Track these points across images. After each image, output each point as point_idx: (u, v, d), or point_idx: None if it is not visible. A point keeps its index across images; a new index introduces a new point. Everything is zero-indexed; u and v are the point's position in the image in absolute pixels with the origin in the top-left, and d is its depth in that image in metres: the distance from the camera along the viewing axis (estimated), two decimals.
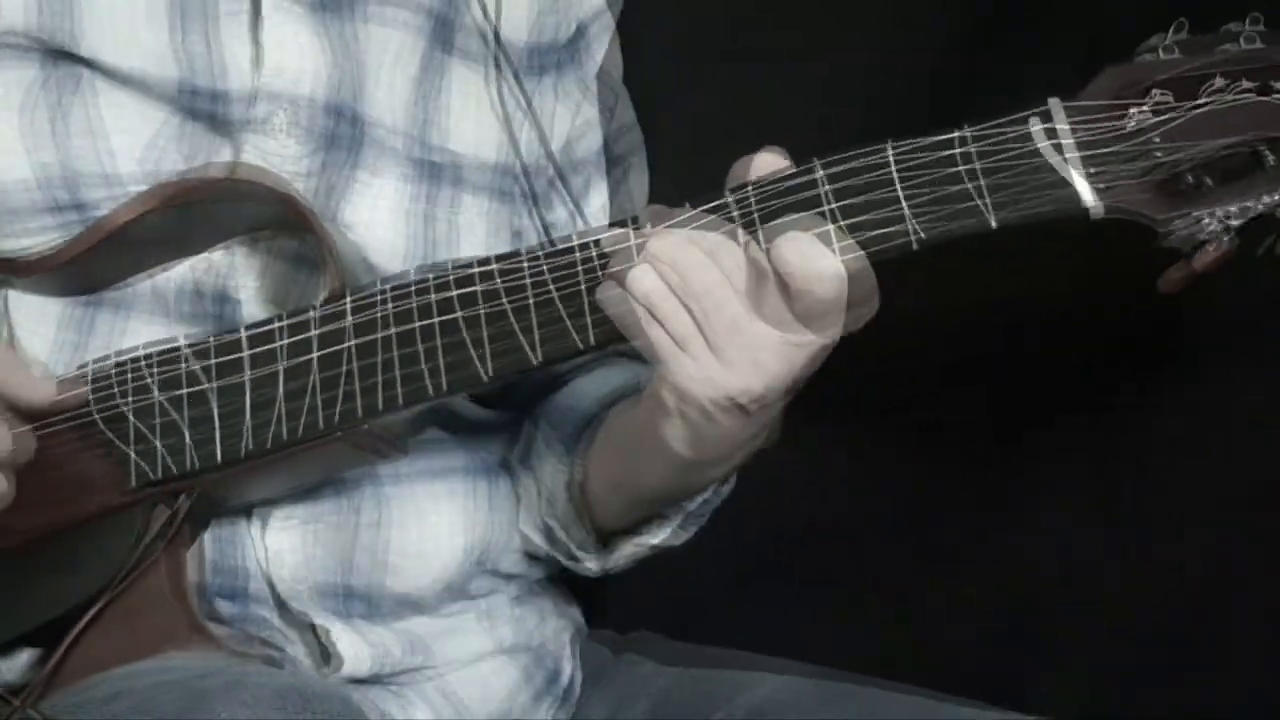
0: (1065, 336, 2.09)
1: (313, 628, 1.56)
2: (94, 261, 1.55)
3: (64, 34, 1.56)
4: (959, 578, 2.13)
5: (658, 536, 1.62)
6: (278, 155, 1.57)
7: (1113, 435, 2.10)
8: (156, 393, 1.52)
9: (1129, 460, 2.11)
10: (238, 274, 1.56)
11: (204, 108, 1.57)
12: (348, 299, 1.51)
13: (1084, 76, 1.98)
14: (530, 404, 1.69)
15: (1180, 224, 1.41)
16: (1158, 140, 1.42)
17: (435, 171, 1.62)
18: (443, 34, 1.64)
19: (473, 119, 1.64)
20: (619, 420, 1.61)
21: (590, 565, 1.64)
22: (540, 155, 1.66)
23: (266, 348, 1.51)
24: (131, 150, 1.55)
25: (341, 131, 1.59)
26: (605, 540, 1.63)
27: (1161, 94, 1.42)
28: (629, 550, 1.63)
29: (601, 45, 1.72)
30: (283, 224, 1.55)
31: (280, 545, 1.56)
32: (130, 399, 1.52)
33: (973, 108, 1.47)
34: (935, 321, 1.98)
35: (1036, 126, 1.44)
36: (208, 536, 1.55)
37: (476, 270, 1.50)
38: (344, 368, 1.50)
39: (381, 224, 1.59)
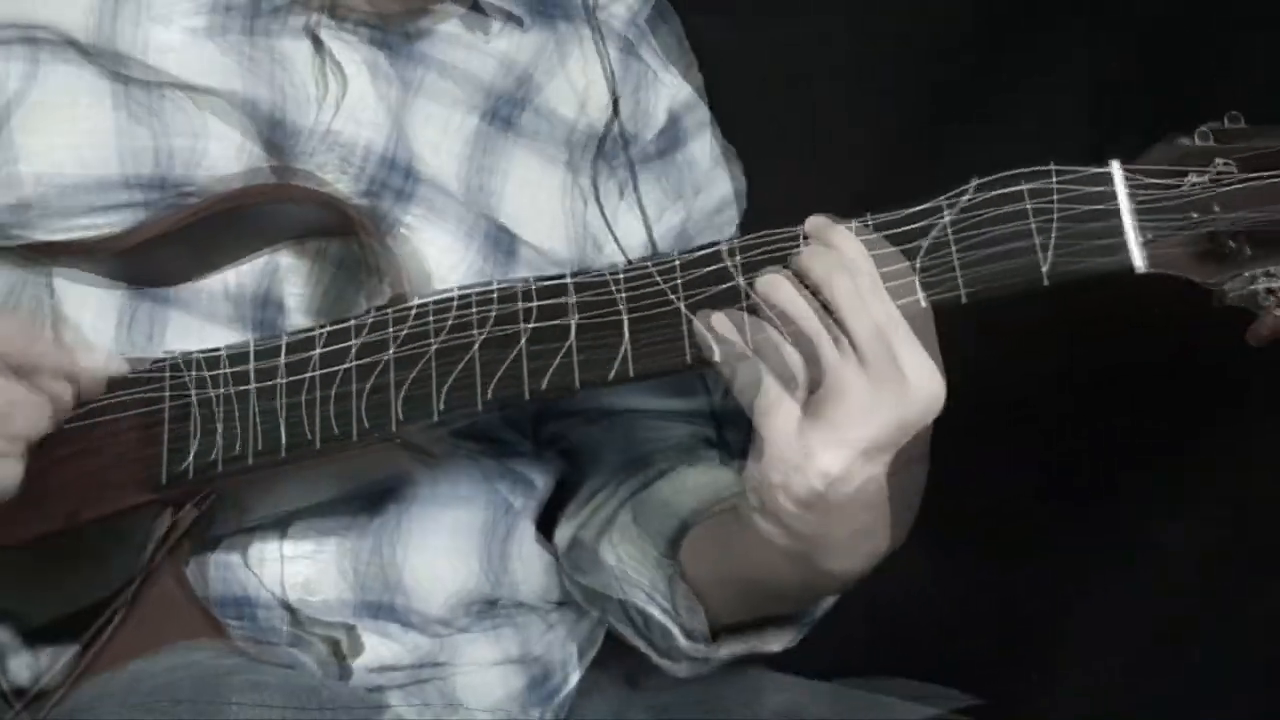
0: (1065, 348, 2.09)
1: (339, 633, 1.56)
2: (149, 258, 1.56)
3: (126, 41, 1.57)
4: (956, 585, 2.14)
5: (774, 644, 1.56)
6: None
7: (1114, 440, 2.11)
8: (195, 391, 1.52)
9: (1127, 466, 2.12)
10: (287, 279, 1.56)
11: (264, 132, 1.58)
12: (457, 297, 1.50)
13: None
14: (609, 481, 1.66)
15: (1232, 285, 1.42)
16: (1217, 209, 1.41)
17: (493, 239, 1.61)
18: (505, 113, 1.64)
19: (531, 203, 1.63)
20: (724, 518, 1.54)
21: (700, 653, 1.57)
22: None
23: (337, 347, 1.51)
24: (226, 151, 1.57)
25: (393, 182, 1.59)
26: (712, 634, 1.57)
27: (1225, 164, 1.42)
28: (736, 649, 1.56)
29: (701, 138, 1.72)
30: (333, 230, 1.55)
31: (298, 554, 1.55)
32: (174, 394, 1.52)
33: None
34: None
35: (1109, 184, 1.42)
36: (223, 546, 1.55)
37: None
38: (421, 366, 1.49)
39: (436, 263, 1.58)
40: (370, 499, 1.58)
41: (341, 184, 1.58)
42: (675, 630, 1.56)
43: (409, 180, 1.60)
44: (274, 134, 1.58)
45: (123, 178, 1.56)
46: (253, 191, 1.56)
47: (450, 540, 1.60)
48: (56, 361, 1.50)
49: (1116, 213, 1.42)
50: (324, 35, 1.60)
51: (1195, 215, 1.41)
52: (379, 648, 1.57)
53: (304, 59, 1.60)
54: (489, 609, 1.63)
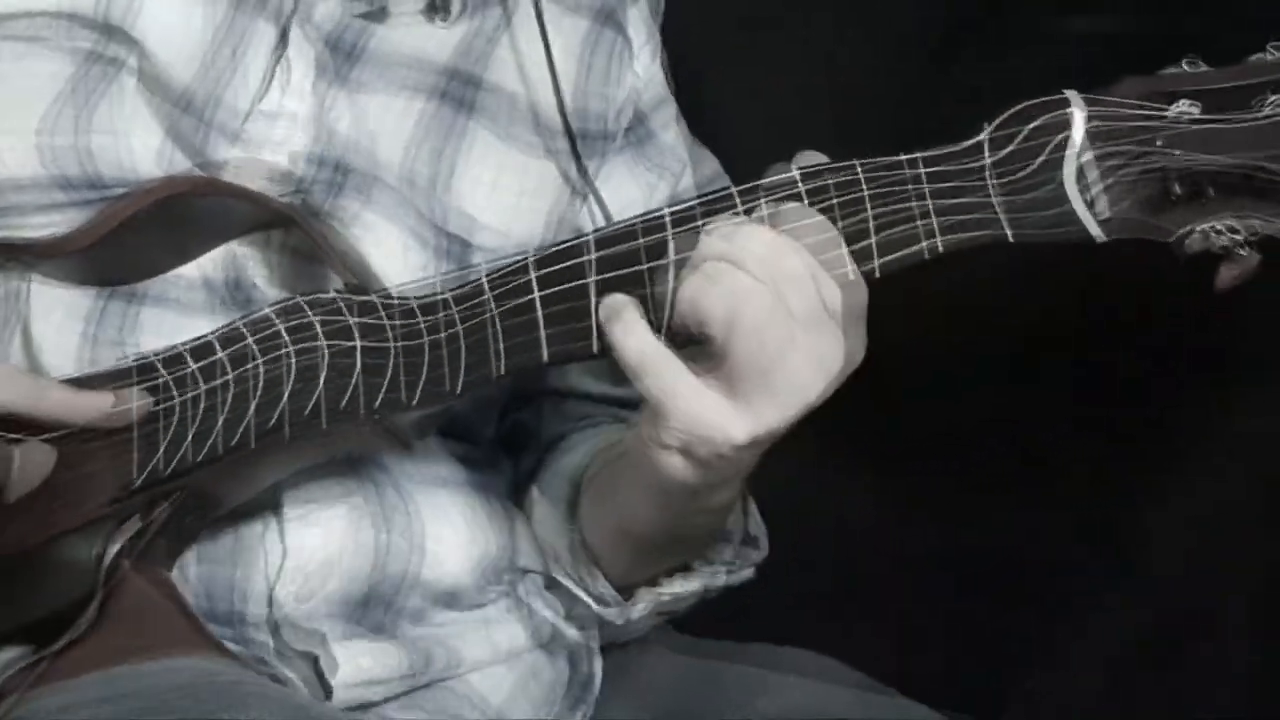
0: (1058, 347, 2.09)
1: (316, 655, 1.53)
2: (110, 250, 1.54)
3: (120, 11, 1.56)
4: (948, 584, 2.13)
5: (680, 587, 1.60)
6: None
7: (1107, 441, 2.11)
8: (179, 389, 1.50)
9: (1122, 468, 2.11)
10: (253, 266, 1.55)
11: (193, 122, 1.56)
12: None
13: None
14: (530, 455, 1.67)
15: (1194, 238, 1.39)
16: (1178, 153, 1.39)
17: (442, 228, 1.60)
18: (459, 94, 1.63)
19: (490, 187, 1.62)
20: (606, 468, 1.57)
21: (612, 615, 1.61)
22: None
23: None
24: (148, 152, 1.54)
25: (320, 176, 1.58)
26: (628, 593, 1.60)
27: (1190, 103, 1.39)
28: (649, 599, 1.60)
29: (668, 128, 1.71)
30: (268, 224, 1.54)
31: (298, 544, 1.52)
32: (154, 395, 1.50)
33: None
34: (929, 330, 1.98)
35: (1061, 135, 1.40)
36: (201, 553, 1.52)
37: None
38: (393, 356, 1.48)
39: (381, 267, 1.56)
40: (362, 486, 1.55)
41: (266, 186, 1.56)
42: (584, 596, 1.60)
43: (338, 173, 1.58)
44: (206, 112, 1.56)
45: (50, 178, 1.54)
46: (179, 183, 1.54)
47: (443, 522, 1.58)
48: (56, 420, 1.48)
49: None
50: (292, 25, 1.59)
51: (1157, 162, 1.39)
52: (359, 659, 1.54)
53: (267, 48, 1.59)
54: (482, 595, 1.60)
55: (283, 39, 1.59)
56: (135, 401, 1.49)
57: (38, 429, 1.48)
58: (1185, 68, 1.41)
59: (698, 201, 1.45)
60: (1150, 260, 1.41)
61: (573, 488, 1.61)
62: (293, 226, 1.53)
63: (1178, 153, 1.38)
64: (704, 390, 1.40)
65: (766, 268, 1.39)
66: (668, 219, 1.45)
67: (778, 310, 1.38)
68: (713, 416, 1.40)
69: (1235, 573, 2.10)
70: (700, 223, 1.43)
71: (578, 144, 1.64)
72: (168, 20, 1.56)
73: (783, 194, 1.43)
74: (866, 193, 1.42)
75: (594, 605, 1.60)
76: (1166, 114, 1.39)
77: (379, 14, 1.61)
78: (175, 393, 1.49)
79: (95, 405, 1.48)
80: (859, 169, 1.43)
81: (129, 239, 1.53)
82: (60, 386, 1.49)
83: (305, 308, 1.49)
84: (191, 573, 1.52)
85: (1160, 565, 2.12)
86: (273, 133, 1.57)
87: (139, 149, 1.54)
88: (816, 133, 2.02)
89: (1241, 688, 2.08)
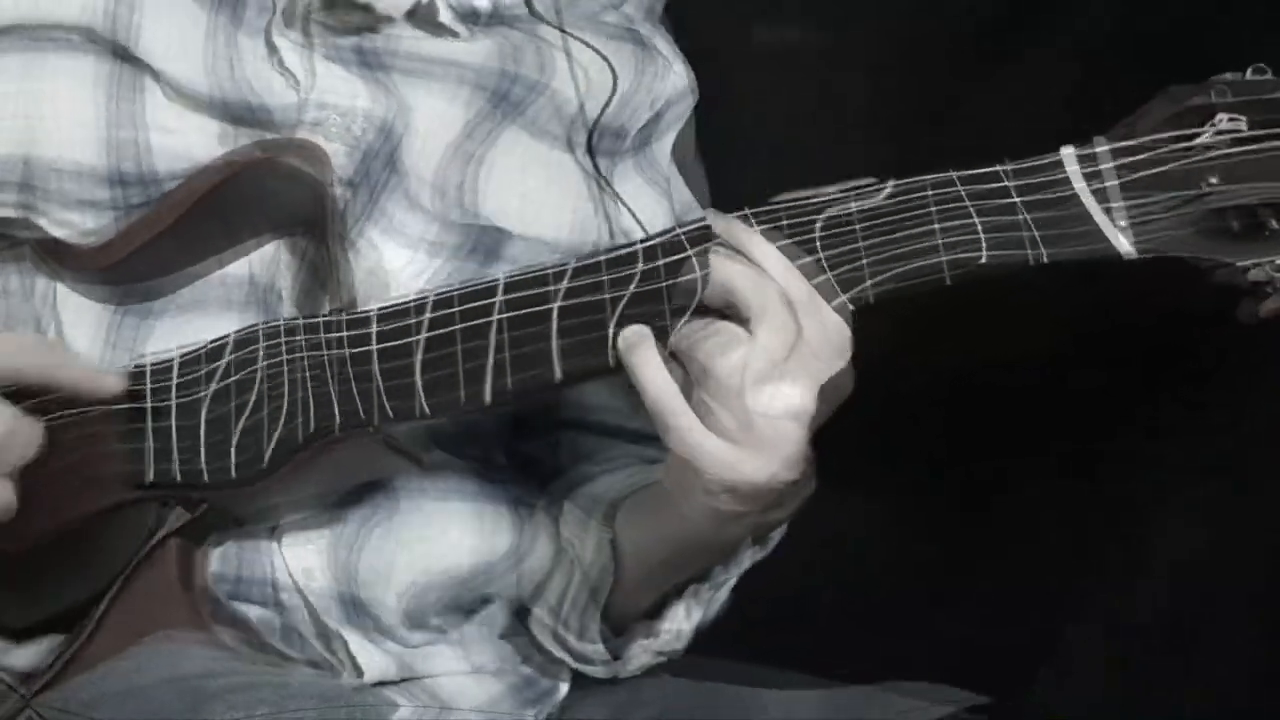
0: (1063, 346, 2.09)
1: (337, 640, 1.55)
2: (142, 258, 1.54)
3: (124, 29, 1.55)
4: (962, 584, 2.14)
5: (690, 619, 1.58)
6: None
7: (1113, 442, 2.11)
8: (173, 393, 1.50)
9: (1131, 466, 2.12)
10: (283, 275, 1.55)
11: (245, 118, 1.56)
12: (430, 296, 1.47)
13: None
14: (557, 486, 1.65)
15: (1225, 270, 1.36)
16: (1215, 180, 1.35)
17: (466, 238, 1.59)
18: (501, 102, 1.62)
19: (526, 193, 1.61)
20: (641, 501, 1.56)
21: (600, 660, 1.59)
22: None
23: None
24: (179, 151, 1.55)
25: (383, 154, 1.58)
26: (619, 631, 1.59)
27: (1232, 119, 1.35)
28: (646, 644, 1.59)
29: (675, 128, 1.69)
30: (310, 215, 1.54)
31: (294, 548, 1.54)
32: (158, 399, 1.50)
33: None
34: (934, 337, 1.98)
35: (1073, 166, 1.38)
36: (232, 542, 1.53)
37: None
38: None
39: (397, 269, 1.56)
40: (365, 492, 1.56)
41: (339, 151, 1.56)
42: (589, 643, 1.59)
43: (394, 161, 1.58)
44: (257, 117, 1.57)
45: (109, 171, 1.55)
46: (238, 164, 1.54)
47: (441, 532, 1.59)
48: (74, 387, 1.49)
49: (1077, 199, 1.38)
50: (313, 28, 1.59)
51: (1194, 189, 1.36)
52: (369, 657, 1.56)
53: (291, 50, 1.59)
54: (468, 609, 1.62)
55: (305, 38, 1.59)
56: (150, 399, 1.50)
57: (49, 405, 1.49)
58: (1250, 75, 1.38)
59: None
60: (1152, 268, 1.40)
61: (608, 506, 1.59)
62: (315, 234, 1.53)
63: (1215, 180, 1.35)
64: (709, 434, 1.40)
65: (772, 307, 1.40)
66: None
67: (760, 357, 1.39)
68: (728, 457, 1.40)
69: (1238, 573, 2.10)
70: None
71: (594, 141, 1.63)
72: (168, 46, 1.56)
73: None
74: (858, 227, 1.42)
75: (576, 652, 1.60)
76: (1197, 141, 1.36)
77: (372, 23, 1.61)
78: (188, 394, 1.49)
79: (107, 385, 1.49)
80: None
81: (177, 235, 1.54)
82: (77, 364, 1.50)
83: (327, 323, 1.49)
84: (240, 545, 1.54)
85: (1162, 566, 2.13)
86: (331, 100, 1.58)
87: (199, 142, 1.55)
88: (822, 139, 2.05)
89: (1244, 687, 2.09)
